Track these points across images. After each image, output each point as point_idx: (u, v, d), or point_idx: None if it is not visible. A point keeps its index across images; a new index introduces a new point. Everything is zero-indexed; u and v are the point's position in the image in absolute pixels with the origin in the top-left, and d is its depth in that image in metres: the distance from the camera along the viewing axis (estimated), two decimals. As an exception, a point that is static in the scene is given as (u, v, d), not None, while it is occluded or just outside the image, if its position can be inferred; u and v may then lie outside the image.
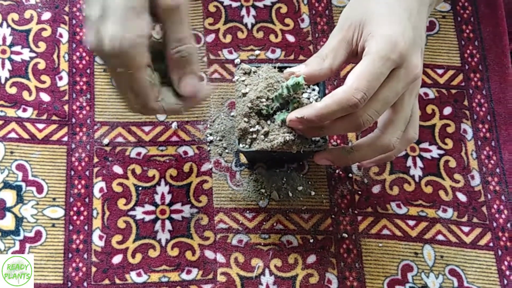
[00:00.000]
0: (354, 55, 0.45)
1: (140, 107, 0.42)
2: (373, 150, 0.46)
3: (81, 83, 0.57)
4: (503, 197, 0.55)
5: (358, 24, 0.43)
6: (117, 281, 0.51)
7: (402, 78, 0.42)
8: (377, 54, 0.41)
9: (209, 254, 0.53)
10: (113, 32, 0.38)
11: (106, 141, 0.55)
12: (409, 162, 0.56)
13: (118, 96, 0.43)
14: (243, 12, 0.60)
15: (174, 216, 0.54)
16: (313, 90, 0.49)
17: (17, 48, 0.58)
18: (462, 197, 0.55)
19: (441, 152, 0.57)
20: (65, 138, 0.55)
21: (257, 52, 0.59)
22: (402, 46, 0.41)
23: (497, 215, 0.55)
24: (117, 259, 0.52)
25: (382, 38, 0.41)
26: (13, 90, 0.56)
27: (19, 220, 0.53)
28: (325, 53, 0.44)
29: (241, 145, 0.47)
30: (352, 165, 0.56)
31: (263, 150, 0.46)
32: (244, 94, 0.48)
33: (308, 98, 0.47)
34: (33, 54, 0.58)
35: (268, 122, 0.47)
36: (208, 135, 0.56)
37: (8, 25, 0.58)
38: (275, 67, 0.49)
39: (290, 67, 0.48)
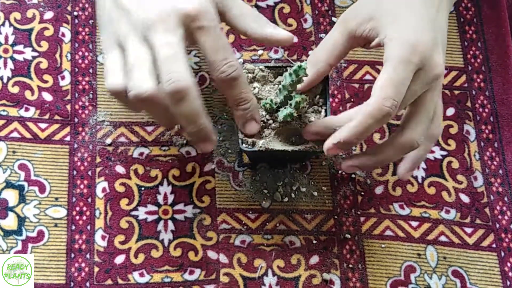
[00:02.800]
0: (355, 46, 0.45)
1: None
2: (397, 148, 0.44)
3: (84, 83, 0.57)
4: (506, 199, 0.55)
5: (366, 18, 0.43)
6: (120, 281, 0.51)
7: (422, 78, 0.41)
8: (399, 60, 0.40)
9: (211, 254, 0.53)
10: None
11: (108, 141, 0.55)
12: (412, 163, 0.56)
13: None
14: (246, 12, 0.60)
15: (176, 216, 0.54)
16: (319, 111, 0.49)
17: (19, 47, 0.57)
18: (465, 198, 0.55)
19: (444, 153, 0.57)
20: (68, 138, 0.55)
21: (260, 52, 0.59)
22: (422, 47, 0.40)
23: (500, 216, 0.55)
24: (119, 259, 0.52)
25: (401, 42, 0.41)
26: (15, 90, 0.56)
27: (21, 220, 0.53)
28: (325, 47, 0.45)
29: (244, 145, 0.47)
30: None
31: (267, 150, 0.46)
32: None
33: (319, 111, 0.47)
34: (36, 54, 0.58)
35: (271, 121, 0.47)
36: (211, 135, 0.56)
37: (11, 24, 0.58)
38: (279, 67, 0.49)
39: (291, 66, 0.48)
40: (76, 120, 0.56)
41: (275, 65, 0.49)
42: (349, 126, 0.41)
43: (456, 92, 0.59)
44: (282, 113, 0.46)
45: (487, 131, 0.57)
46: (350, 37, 0.45)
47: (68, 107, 0.56)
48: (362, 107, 0.41)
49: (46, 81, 0.57)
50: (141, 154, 0.55)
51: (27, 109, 0.56)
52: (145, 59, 0.42)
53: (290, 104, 0.46)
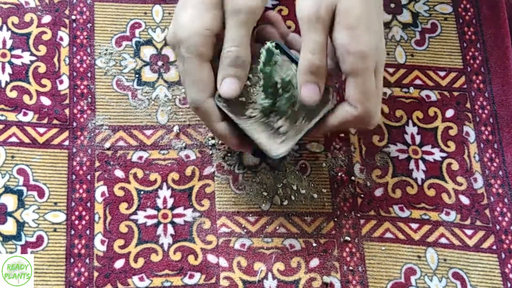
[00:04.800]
0: None
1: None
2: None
3: (82, 87, 0.57)
4: (506, 200, 0.55)
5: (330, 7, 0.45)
6: (120, 286, 0.51)
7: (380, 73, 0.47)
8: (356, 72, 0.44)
9: (211, 258, 0.53)
10: (184, 22, 0.45)
11: (107, 145, 0.55)
12: (412, 165, 0.56)
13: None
14: (245, 14, 0.60)
15: (176, 220, 0.53)
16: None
17: (17, 52, 0.57)
18: (465, 200, 0.55)
19: (444, 154, 0.56)
20: (66, 142, 0.55)
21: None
22: (372, 58, 0.44)
23: (500, 218, 0.54)
24: (119, 263, 0.52)
25: (355, 56, 0.44)
26: (13, 94, 0.56)
27: (20, 225, 0.52)
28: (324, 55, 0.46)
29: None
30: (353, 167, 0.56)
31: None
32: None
33: None
34: (34, 58, 0.57)
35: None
36: (210, 138, 0.56)
37: (8, 29, 0.58)
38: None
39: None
40: (74, 124, 0.56)
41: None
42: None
43: (455, 93, 0.58)
44: (264, 104, 0.48)
45: (486, 132, 0.57)
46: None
47: (67, 111, 0.56)
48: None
49: (44, 86, 0.57)
50: (140, 158, 0.55)
51: (25, 114, 0.55)
52: None
53: (278, 101, 0.48)
